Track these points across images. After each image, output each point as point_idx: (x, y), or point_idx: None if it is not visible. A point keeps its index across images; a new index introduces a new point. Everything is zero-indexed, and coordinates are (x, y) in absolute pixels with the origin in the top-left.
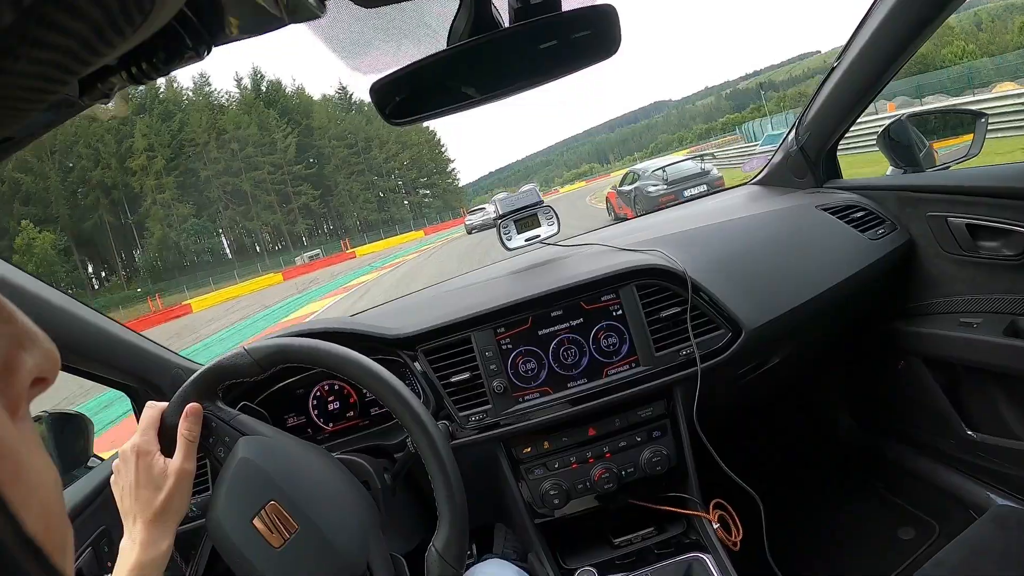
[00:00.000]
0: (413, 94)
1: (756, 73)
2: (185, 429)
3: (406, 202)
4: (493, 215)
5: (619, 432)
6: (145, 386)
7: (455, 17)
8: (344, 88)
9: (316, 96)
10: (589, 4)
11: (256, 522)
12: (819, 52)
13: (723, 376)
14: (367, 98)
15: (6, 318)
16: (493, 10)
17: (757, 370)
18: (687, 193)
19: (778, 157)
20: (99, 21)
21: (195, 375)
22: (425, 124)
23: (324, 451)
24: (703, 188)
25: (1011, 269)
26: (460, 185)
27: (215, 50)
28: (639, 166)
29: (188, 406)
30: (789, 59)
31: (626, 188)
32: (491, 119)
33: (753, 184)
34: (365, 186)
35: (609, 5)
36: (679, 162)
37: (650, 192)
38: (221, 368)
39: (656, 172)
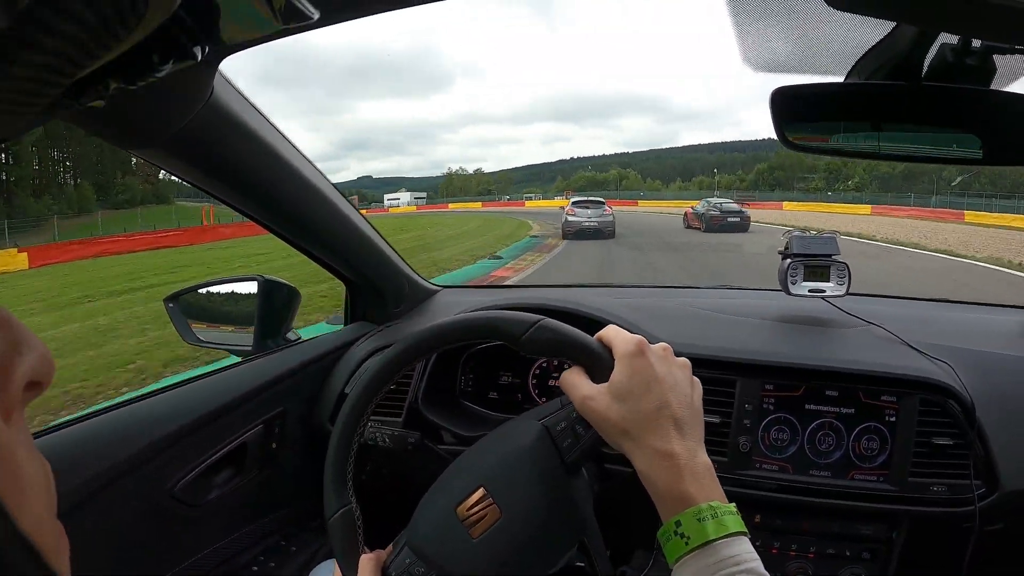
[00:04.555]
0: (812, 114)
1: None
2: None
3: None
4: (602, 216)
5: (832, 537)
6: (369, 286)
7: (871, 49)
8: None
9: None
10: None
11: (459, 509)
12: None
13: (949, 525)
14: None
15: (1, 322)
16: (924, 57)
17: (991, 532)
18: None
19: None
20: (93, 24)
21: None
22: None
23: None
24: (737, 219)
25: None
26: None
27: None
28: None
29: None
30: None
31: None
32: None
33: None
34: None
35: None
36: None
37: (700, 211)
38: None
39: (714, 203)
